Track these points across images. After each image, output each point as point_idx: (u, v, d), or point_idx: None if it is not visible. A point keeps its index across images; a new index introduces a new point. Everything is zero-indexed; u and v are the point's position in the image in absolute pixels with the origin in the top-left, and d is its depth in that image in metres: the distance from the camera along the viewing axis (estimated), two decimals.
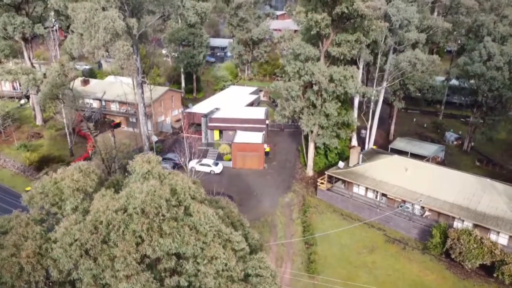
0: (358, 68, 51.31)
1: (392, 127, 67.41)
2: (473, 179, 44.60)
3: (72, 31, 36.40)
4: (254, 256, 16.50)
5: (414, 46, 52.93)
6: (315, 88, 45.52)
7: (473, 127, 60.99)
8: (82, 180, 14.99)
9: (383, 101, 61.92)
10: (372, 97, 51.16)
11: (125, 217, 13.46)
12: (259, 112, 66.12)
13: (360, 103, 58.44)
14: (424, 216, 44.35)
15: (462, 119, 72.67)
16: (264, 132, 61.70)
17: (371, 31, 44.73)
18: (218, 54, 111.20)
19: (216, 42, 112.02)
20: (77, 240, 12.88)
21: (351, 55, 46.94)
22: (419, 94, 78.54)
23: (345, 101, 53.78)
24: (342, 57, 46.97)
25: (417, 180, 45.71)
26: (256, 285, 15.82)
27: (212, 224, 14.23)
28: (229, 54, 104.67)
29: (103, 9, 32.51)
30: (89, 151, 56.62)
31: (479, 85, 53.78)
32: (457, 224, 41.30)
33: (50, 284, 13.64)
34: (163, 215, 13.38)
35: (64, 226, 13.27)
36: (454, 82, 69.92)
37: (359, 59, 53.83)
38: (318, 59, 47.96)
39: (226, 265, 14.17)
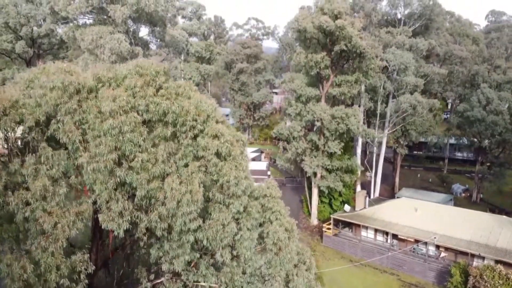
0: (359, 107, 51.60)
1: (397, 181, 65.90)
2: (488, 216, 42.28)
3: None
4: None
5: (412, 93, 53.93)
6: (318, 124, 45.31)
7: (480, 177, 59.55)
8: (73, 68, 13.51)
9: (385, 159, 61.70)
10: (375, 140, 50.74)
11: (117, 75, 11.91)
12: (260, 165, 65.25)
13: (363, 146, 58.02)
14: (440, 257, 41.06)
15: (467, 174, 71.40)
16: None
17: (370, 70, 45.86)
18: None
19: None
20: (61, 83, 11.15)
21: (352, 94, 47.57)
22: (422, 152, 79.48)
23: (348, 146, 53.37)
24: (342, 97, 47.54)
25: (429, 219, 43.23)
26: (265, 204, 13.69)
27: (214, 109, 12.64)
28: (231, 121, 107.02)
29: (111, 33, 33.82)
30: None
31: (481, 131, 53.69)
32: (477, 263, 37.99)
33: (25, 142, 11.55)
34: (160, 85, 11.84)
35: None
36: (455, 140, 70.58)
37: (359, 106, 54.51)
38: (319, 100, 48.53)
39: (230, 154, 12.22)
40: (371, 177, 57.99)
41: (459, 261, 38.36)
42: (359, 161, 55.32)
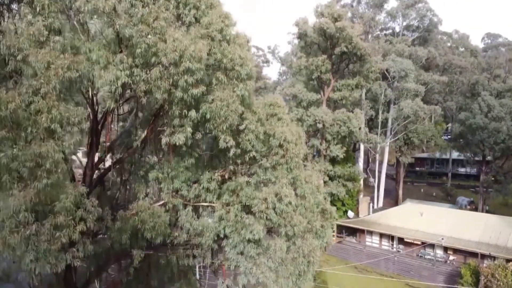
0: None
1: (400, 194, 64.72)
2: (496, 218, 41.15)
3: None
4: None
5: (413, 100, 53.92)
6: (319, 126, 44.86)
7: (485, 189, 58.46)
8: None
9: (387, 175, 61.03)
10: (378, 147, 50.21)
11: None
12: None
13: (366, 163, 57.31)
14: (449, 261, 39.52)
15: (471, 189, 70.23)
16: None
17: (371, 73, 46.00)
18: None
19: None
20: None
21: (353, 99, 47.50)
22: (424, 168, 78.67)
23: (350, 156, 52.76)
24: (343, 101, 47.43)
25: (435, 222, 42.03)
26: (269, 112, 12.81)
27: (218, 2, 11.87)
28: None
29: None
30: None
31: (484, 138, 53.16)
32: (487, 264, 36.47)
33: None
34: None
35: None
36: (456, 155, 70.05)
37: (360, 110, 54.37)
38: (320, 105, 48.39)
39: (235, 41, 11.43)
40: (373, 183, 57.05)
41: (469, 262, 36.92)
42: (361, 169, 54.58)
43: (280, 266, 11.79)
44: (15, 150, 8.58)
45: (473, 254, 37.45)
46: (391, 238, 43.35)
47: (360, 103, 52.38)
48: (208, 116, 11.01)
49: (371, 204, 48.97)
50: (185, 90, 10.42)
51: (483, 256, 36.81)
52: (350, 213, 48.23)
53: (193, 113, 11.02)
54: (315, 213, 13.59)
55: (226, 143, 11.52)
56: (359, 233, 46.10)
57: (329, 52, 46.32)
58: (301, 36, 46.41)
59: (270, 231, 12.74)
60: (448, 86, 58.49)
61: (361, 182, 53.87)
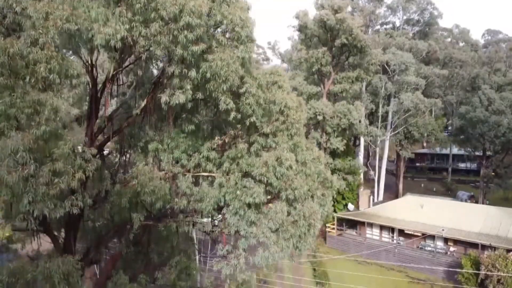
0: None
1: (400, 188, 64.69)
2: (496, 209, 41.14)
3: None
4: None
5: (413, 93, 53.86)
6: (319, 118, 44.80)
7: (485, 182, 58.43)
8: None
9: (387, 171, 60.98)
10: (378, 141, 50.15)
11: None
12: None
13: (367, 157, 57.29)
14: (449, 252, 39.44)
15: (471, 184, 70.22)
16: None
17: (371, 66, 45.94)
18: None
19: None
20: None
21: (353, 91, 47.45)
22: (424, 164, 78.69)
23: (350, 150, 52.71)
24: (344, 94, 47.38)
25: (435, 214, 41.96)
26: (270, 80, 12.70)
27: None
28: None
29: None
30: None
31: (484, 132, 53.13)
32: (488, 254, 36.38)
33: None
34: None
35: None
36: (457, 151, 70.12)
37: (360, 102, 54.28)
38: (320, 98, 48.36)
39: (235, 4, 11.41)
40: (373, 176, 56.99)
41: (469, 253, 36.86)
42: (361, 163, 54.53)
43: (280, 227, 11.73)
44: (13, 97, 8.54)
45: (474, 245, 37.35)
46: (392, 230, 43.27)
47: (360, 97, 52.31)
48: (208, 75, 10.91)
49: (371, 197, 48.85)
50: (185, 47, 10.35)
51: (484, 247, 36.70)
52: (350, 206, 48.18)
53: (193, 73, 10.92)
54: (316, 182, 13.53)
55: (226, 105, 11.46)
56: (360, 226, 46.01)
57: (329, 44, 46.26)
58: (301, 28, 46.36)
59: (270, 202, 12.67)
60: (448, 80, 58.48)
61: (361, 175, 53.79)
